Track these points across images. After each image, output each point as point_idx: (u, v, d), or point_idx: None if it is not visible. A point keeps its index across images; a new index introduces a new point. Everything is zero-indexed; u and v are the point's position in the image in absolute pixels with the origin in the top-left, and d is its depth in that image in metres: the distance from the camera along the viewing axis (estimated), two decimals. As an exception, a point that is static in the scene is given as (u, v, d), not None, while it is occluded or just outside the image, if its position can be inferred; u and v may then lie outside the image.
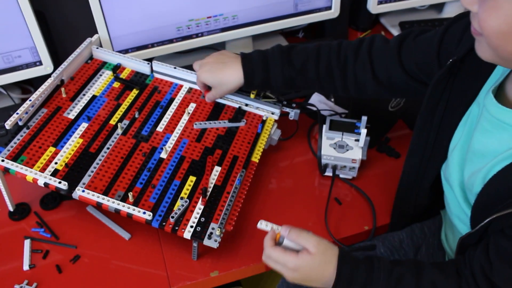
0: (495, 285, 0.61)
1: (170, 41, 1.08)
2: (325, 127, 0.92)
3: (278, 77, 0.84)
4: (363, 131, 0.87)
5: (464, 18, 0.72)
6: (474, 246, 0.65)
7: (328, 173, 0.92)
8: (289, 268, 0.66)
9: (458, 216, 0.72)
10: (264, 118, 0.93)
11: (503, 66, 0.62)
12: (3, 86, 1.07)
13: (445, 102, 0.71)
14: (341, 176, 0.92)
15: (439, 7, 1.35)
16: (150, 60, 0.99)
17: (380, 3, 1.22)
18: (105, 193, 0.77)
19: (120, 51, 1.03)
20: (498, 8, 0.51)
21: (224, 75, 0.87)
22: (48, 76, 0.90)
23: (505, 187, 0.59)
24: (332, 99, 1.06)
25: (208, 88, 0.92)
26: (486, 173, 0.62)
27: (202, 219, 0.75)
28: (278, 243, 0.68)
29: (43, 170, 0.78)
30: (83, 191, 0.75)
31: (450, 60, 0.68)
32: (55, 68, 0.93)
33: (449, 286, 0.64)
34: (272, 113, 0.93)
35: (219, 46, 1.18)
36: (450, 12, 1.33)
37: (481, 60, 0.58)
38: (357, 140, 0.90)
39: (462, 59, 0.67)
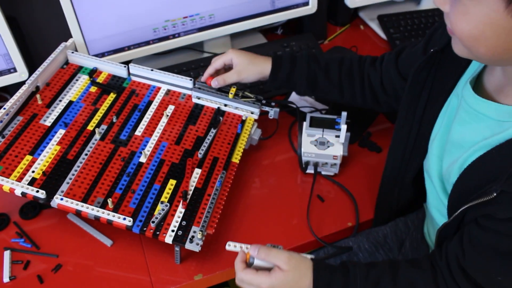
0: (468, 275, 0.61)
1: (147, 42, 1.07)
2: (305, 124, 0.92)
3: (303, 71, 0.87)
4: (343, 127, 0.87)
5: (444, 24, 0.74)
6: (451, 237, 0.66)
7: (310, 170, 0.92)
8: None
9: (437, 208, 0.73)
10: (243, 118, 0.92)
11: (479, 62, 0.64)
12: (-22, 95, 1.05)
13: (427, 94, 0.72)
14: (323, 173, 0.92)
15: (417, -1, 1.36)
16: (127, 63, 0.98)
17: (357, -3, 1.22)
18: (84, 200, 0.76)
19: (96, 55, 1.02)
20: (467, 13, 0.52)
21: (256, 58, 0.90)
22: (23, 82, 0.88)
23: (479, 176, 0.60)
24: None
25: (215, 75, 0.92)
26: (462, 163, 0.63)
27: (183, 223, 0.75)
28: (249, 263, 0.67)
29: (20, 179, 0.77)
30: (62, 199, 0.74)
31: (431, 50, 0.69)
32: (30, 74, 0.91)
33: (425, 280, 0.64)
34: (252, 113, 0.93)
35: (197, 46, 1.17)
36: (427, 4, 1.33)
37: None
38: (338, 136, 0.90)
39: (442, 50, 0.69)
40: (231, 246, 0.68)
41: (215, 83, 0.90)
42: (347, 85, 0.88)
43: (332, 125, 0.92)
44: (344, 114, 0.89)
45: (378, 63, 0.87)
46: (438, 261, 0.65)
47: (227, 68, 0.92)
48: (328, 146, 0.90)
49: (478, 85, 0.65)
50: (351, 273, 0.65)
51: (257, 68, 0.89)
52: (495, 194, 0.55)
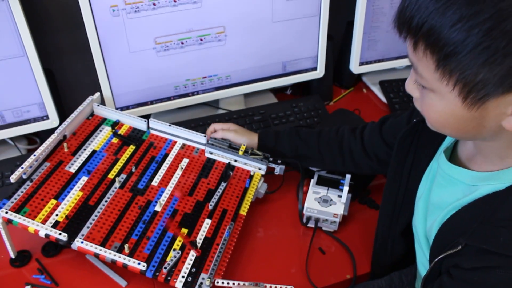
0: None
1: (168, 98, 1.16)
2: (312, 181, 1.00)
3: (285, 144, 1.00)
4: (345, 189, 0.94)
5: None
6: None
7: (311, 225, 0.98)
8: None
9: (423, 263, 0.79)
10: (251, 173, 0.99)
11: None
12: (11, 138, 1.13)
13: (412, 158, 0.80)
14: (323, 228, 0.98)
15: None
16: (149, 116, 1.06)
17: (361, 64, 1.31)
18: (103, 244, 0.82)
19: (121, 108, 1.10)
20: (433, 105, 0.61)
21: (249, 132, 1.05)
22: (53, 129, 0.96)
23: (451, 232, 0.67)
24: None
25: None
26: (440, 222, 0.70)
27: (193, 270, 0.80)
28: None
29: (44, 221, 0.83)
30: (82, 242, 0.80)
31: (414, 120, 0.79)
32: (61, 122, 0.99)
33: None
34: (259, 169, 1.00)
35: (213, 103, 1.26)
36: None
37: None
38: (340, 196, 0.97)
39: (423, 120, 0.75)
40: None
41: (215, 134, 1.03)
42: (327, 154, 0.98)
43: (336, 184, 0.99)
44: (348, 176, 0.96)
45: (358, 132, 0.97)
46: None
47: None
48: (331, 204, 0.96)
49: (453, 155, 0.74)
50: None
51: (248, 137, 1.03)
52: (460, 246, 0.62)
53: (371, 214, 1.03)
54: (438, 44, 0.54)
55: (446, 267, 0.67)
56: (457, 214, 0.67)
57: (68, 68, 1.19)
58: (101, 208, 0.88)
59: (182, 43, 1.10)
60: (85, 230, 0.83)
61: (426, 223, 0.76)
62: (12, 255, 0.89)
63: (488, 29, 0.50)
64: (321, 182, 1.00)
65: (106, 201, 0.89)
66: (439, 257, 0.67)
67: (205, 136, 1.02)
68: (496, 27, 0.50)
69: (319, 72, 1.27)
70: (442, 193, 0.72)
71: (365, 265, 0.93)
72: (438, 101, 0.60)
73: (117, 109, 1.09)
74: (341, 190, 0.97)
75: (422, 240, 0.78)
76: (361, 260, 0.93)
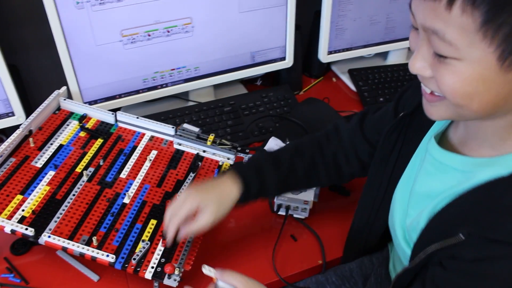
0: None
1: (137, 91, 1.15)
2: None
3: (272, 181, 0.83)
4: None
5: (411, 87, 0.80)
6: (409, 283, 0.69)
7: (282, 212, 0.98)
8: None
9: (402, 253, 0.77)
10: (220, 164, 1.00)
11: (462, 120, 0.66)
12: (-25, 136, 1.12)
13: (397, 153, 0.76)
14: (294, 215, 0.99)
15: (383, 55, 1.48)
16: (118, 109, 1.05)
17: (330, 53, 1.33)
18: (71, 238, 0.81)
19: (89, 102, 1.09)
20: (457, 72, 0.53)
21: (222, 189, 0.79)
22: (20, 125, 0.95)
23: (447, 222, 0.62)
24: (288, 143, 1.14)
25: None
26: (431, 211, 0.65)
27: (162, 260, 0.81)
28: (215, 285, 0.73)
29: (10, 217, 0.82)
30: (49, 236, 0.80)
31: (401, 114, 0.75)
32: (28, 117, 0.98)
33: None
34: (228, 159, 1.00)
35: (182, 95, 1.25)
36: (393, 59, 1.45)
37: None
38: None
39: (411, 113, 0.74)
40: (206, 269, 0.72)
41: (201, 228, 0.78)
42: (314, 176, 0.89)
43: None
44: None
45: (336, 141, 0.88)
46: None
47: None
48: (301, 192, 0.97)
49: (443, 140, 0.70)
50: None
51: (228, 201, 0.79)
52: (463, 237, 0.57)
53: (342, 201, 1.04)
54: None
55: (437, 260, 0.63)
56: (454, 203, 0.62)
57: (34, 63, 1.17)
58: (68, 202, 0.87)
59: (149, 35, 1.09)
60: (52, 225, 0.83)
61: (406, 215, 0.72)
62: (-21, 254, 0.88)
63: None
64: None
65: (73, 195, 0.88)
66: (435, 248, 0.61)
67: (173, 127, 1.01)
68: None
69: (288, 62, 1.28)
70: (430, 181, 0.68)
71: (336, 250, 0.94)
72: (467, 69, 0.52)
73: (85, 103, 1.07)
74: (311, 177, 0.98)
75: (399, 234, 0.74)
76: (332, 245, 0.94)
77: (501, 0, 0.47)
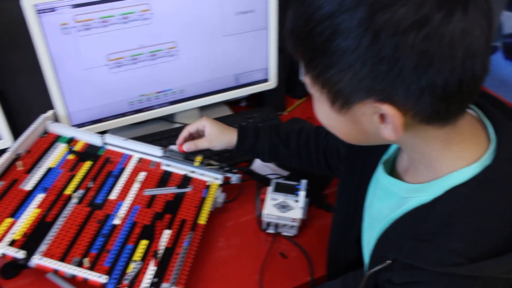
0: None
1: (123, 114, 1.17)
2: (270, 189, 1.02)
3: (265, 142, 0.96)
4: (302, 193, 0.98)
5: None
6: None
7: (271, 230, 1.00)
8: None
9: None
10: (208, 184, 1.01)
11: None
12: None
13: (362, 164, 0.79)
14: (283, 233, 1.01)
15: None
16: (105, 132, 1.07)
17: (312, 74, 1.36)
18: (62, 259, 0.82)
19: (77, 125, 1.10)
20: (316, 105, 0.61)
21: (226, 129, 0.99)
22: (7, 149, 0.95)
23: (383, 247, 0.67)
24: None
25: (186, 140, 1.00)
26: (376, 236, 0.69)
27: (155, 280, 0.81)
28: None
29: (0, 240, 0.82)
30: (40, 259, 0.80)
31: None
32: (15, 141, 0.98)
33: None
34: (216, 179, 1.02)
35: (168, 117, 1.27)
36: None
37: None
38: (297, 201, 1.00)
39: None
40: None
41: (187, 146, 0.98)
42: (305, 154, 0.97)
43: (293, 190, 1.02)
44: (304, 181, 0.99)
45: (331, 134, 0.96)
46: None
47: (196, 136, 1.01)
48: (289, 210, 0.99)
49: (393, 166, 0.73)
50: None
51: (226, 138, 0.98)
52: (388, 262, 0.62)
53: (329, 218, 1.04)
54: (300, 47, 0.55)
55: (381, 282, 0.66)
56: (390, 228, 0.66)
57: (22, 87, 1.18)
58: (59, 224, 0.87)
59: (135, 59, 1.12)
60: (43, 247, 0.83)
61: (369, 236, 0.75)
62: (-33, 279, 0.88)
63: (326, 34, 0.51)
64: (278, 189, 1.03)
65: (64, 217, 0.89)
66: (370, 271, 0.67)
67: (161, 149, 1.03)
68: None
69: (271, 83, 1.31)
70: (380, 206, 0.71)
71: (324, 267, 0.96)
72: (317, 105, 0.60)
73: (72, 126, 1.08)
74: (298, 195, 1.00)
75: (365, 252, 0.77)
76: (320, 262, 0.96)
77: (315, 55, 0.53)
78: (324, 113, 0.59)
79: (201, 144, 0.99)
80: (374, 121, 0.55)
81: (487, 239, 0.55)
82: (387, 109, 0.52)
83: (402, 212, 0.64)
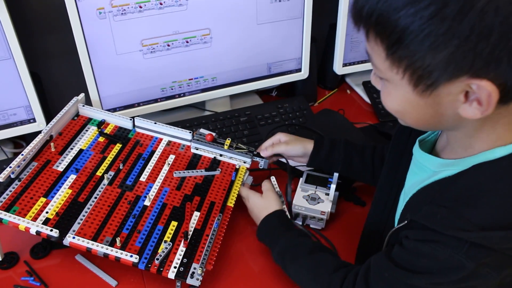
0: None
1: (155, 100, 1.17)
2: (301, 180, 1.01)
3: (340, 152, 0.98)
4: (333, 187, 0.95)
5: None
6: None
7: (298, 221, 0.98)
8: None
9: None
10: (237, 167, 1.01)
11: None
12: (-3, 141, 1.12)
13: (408, 154, 0.79)
14: (311, 226, 0.98)
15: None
16: (135, 117, 1.07)
17: (345, 65, 1.35)
18: (94, 239, 0.82)
19: (109, 110, 1.11)
20: (390, 94, 0.62)
21: (302, 138, 1.02)
22: (40, 131, 0.96)
23: (407, 212, 0.71)
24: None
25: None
26: (402, 205, 0.74)
27: (185, 260, 0.81)
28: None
29: (34, 219, 0.83)
30: (74, 237, 0.80)
31: None
32: (47, 123, 0.99)
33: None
34: (244, 162, 1.02)
35: (199, 105, 1.27)
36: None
37: None
38: (328, 194, 0.98)
39: None
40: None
41: (265, 152, 1.01)
42: (379, 167, 0.93)
43: (325, 183, 1.01)
44: (336, 174, 0.97)
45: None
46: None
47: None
48: (318, 202, 0.97)
49: (431, 146, 0.76)
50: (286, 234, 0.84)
51: (303, 144, 1.00)
52: (406, 221, 0.68)
53: (356, 211, 1.04)
54: (386, 31, 0.55)
55: (400, 238, 0.70)
56: (416, 194, 0.70)
57: (55, 71, 1.20)
58: (90, 205, 0.88)
59: (168, 45, 1.12)
60: (76, 226, 0.83)
61: (400, 209, 0.77)
62: (0, 257, 0.89)
63: (430, 15, 0.51)
64: (310, 180, 1.02)
65: (95, 197, 0.89)
66: (391, 230, 0.72)
67: (190, 132, 1.03)
68: (437, 14, 0.50)
69: (304, 74, 1.30)
70: (413, 180, 0.74)
71: (351, 260, 0.93)
72: (393, 90, 0.61)
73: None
74: (329, 188, 0.98)
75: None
76: (348, 255, 0.93)
77: (398, 39, 0.54)
78: (400, 98, 0.60)
79: (278, 147, 1.01)
80: (457, 101, 0.57)
81: (504, 215, 0.57)
82: (486, 85, 0.53)
83: (430, 182, 0.68)
